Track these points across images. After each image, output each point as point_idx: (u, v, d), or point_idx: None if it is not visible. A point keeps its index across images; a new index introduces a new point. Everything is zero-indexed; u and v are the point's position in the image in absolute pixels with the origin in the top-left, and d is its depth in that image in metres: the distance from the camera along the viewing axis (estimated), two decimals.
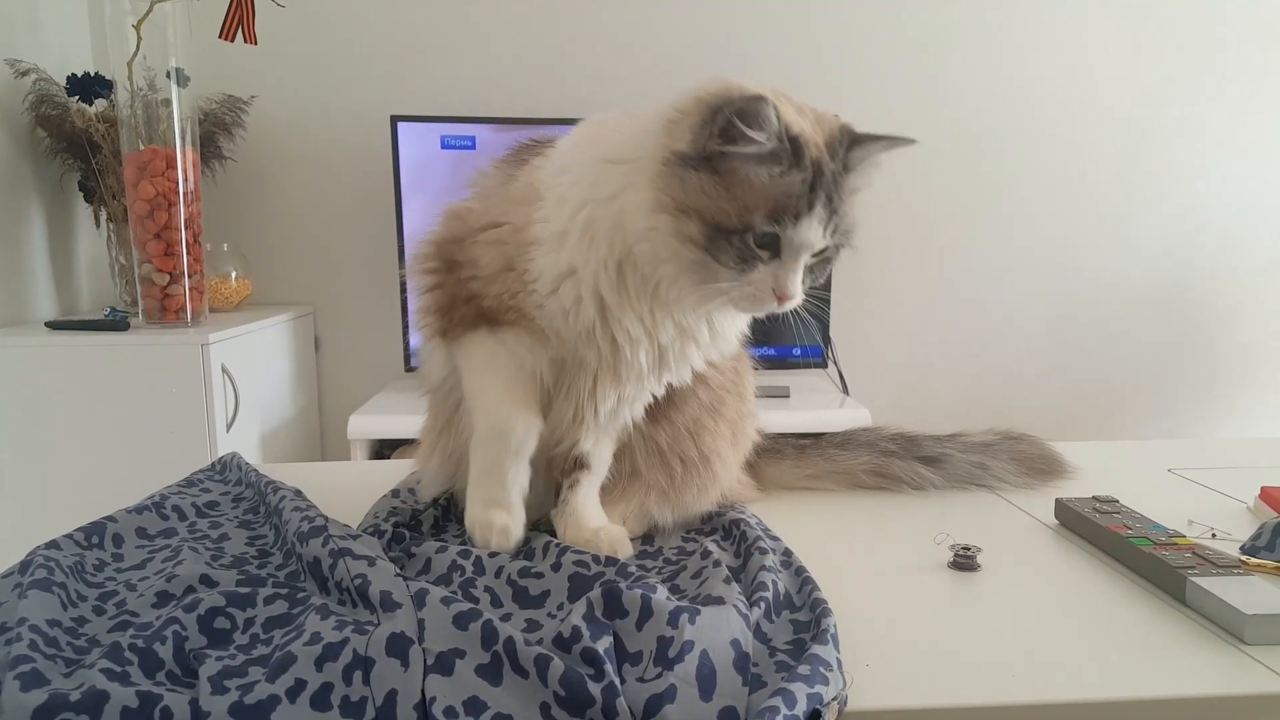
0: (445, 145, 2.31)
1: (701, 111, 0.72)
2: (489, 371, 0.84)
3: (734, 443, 0.96)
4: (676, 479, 0.91)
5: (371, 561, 0.73)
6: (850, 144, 0.77)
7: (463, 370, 0.86)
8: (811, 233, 0.73)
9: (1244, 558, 0.84)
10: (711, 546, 0.82)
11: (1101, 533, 0.90)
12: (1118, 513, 0.94)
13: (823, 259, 0.77)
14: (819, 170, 0.73)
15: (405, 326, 2.40)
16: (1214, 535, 0.93)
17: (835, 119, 0.79)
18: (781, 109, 0.72)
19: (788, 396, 2.36)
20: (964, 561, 0.85)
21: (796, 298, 0.75)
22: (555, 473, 0.89)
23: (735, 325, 0.86)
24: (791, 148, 0.72)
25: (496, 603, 0.74)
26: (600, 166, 0.79)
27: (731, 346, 0.88)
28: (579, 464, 0.87)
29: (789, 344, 2.41)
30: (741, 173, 0.71)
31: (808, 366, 2.46)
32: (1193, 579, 0.76)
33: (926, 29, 2.56)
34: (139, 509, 0.94)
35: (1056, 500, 0.99)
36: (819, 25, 2.54)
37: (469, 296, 0.84)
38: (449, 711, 0.57)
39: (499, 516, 0.83)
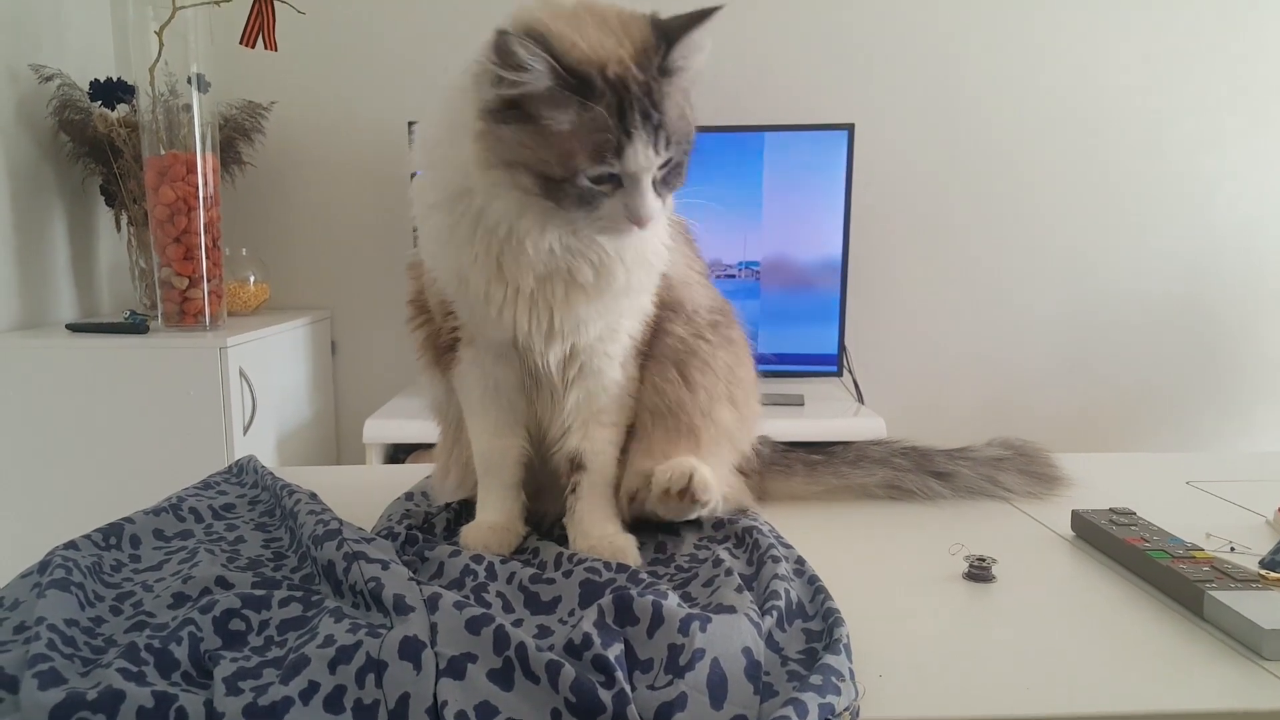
0: None
1: (496, 59, 0.69)
2: (469, 397, 0.90)
3: (731, 398, 0.92)
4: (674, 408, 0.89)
5: (385, 565, 0.73)
6: (667, 43, 0.73)
7: (460, 396, 0.92)
8: (640, 158, 0.71)
9: (1263, 572, 0.83)
10: (724, 554, 0.82)
11: (1118, 545, 0.89)
12: (1134, 525, 0.93)
13: (673, 168, 0.75)
14: (624, 91, 0.70)
15: None
16: (1233, 549, 0.92)
17: (644, 20, 0.74)
18: (556, 39, 0.69)
19: (802, 405, 2.35)
20: (979, 572, 0.85)
21: (655, 218, 0.74)
22: (561, 479, 0.89)
23: (628, 255, 0.81)
24: (576, 80, 0.69)
25: (508, 608, 0.74)
26: (428, 136, 0.81)
27: (646, 272, 0.84)
28: (575, 465, 0.87)
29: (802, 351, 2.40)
30: (543, 119, 0.69)
31: (822, 375, 2.45)
32: (1211, 593, 0.75)
33: (944, 37, 2.56)
34: (156, 510, 0.94)
35: (1073, 512, 0.98)
36: (840, 27, 2.54)
37: (438, 327, 0.90)
38: (460, 716, 0.57)
39: (488, 534, 0.87)
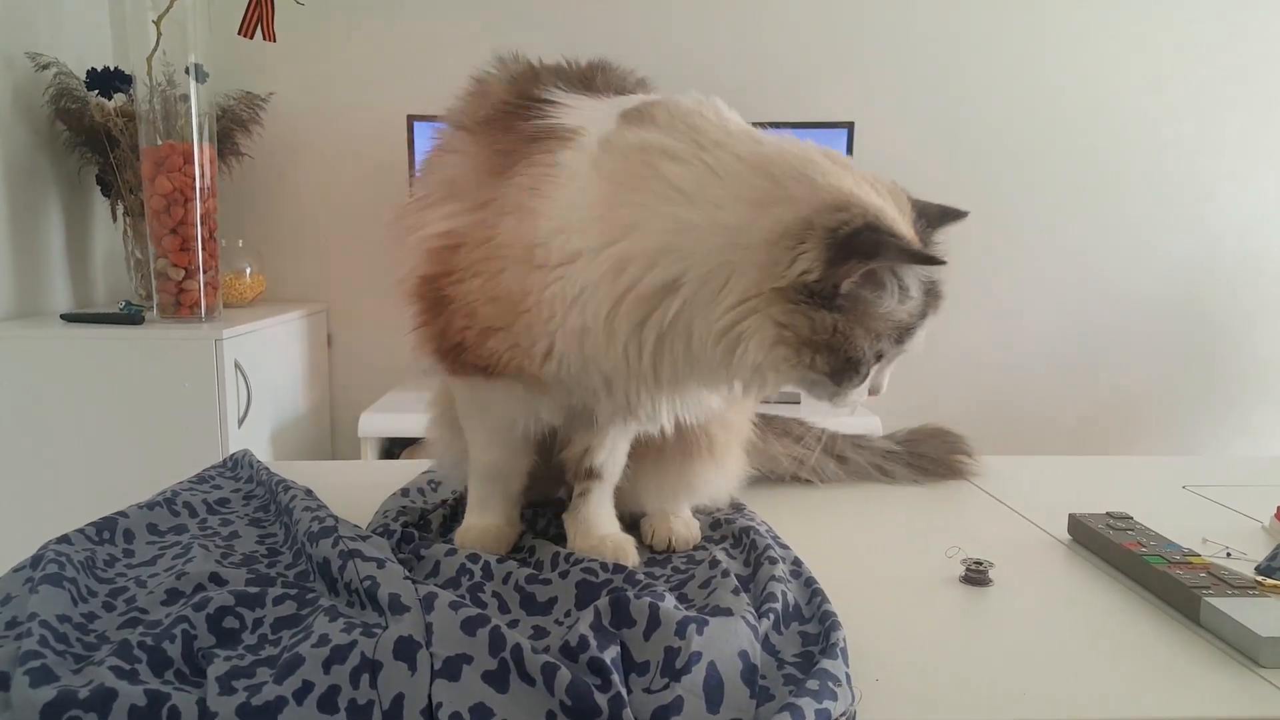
0: None
1: (829, 247, 0.62)
2: (481, 416, 0.84)
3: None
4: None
5: (381, 564, 0.72)
6: (929, 229, 0.72)
7: (458, 403, 0.86)
8: (922, 336, 0.69)
9: (1259, 578, 0.83)
10: (720, 555, 0.82)
11: (1115, 550, 0.89)
12: (1131, 530, 0.93)
13: None
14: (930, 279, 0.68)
15: None
16: (1229, 554, 0.92)
17: (906, 200, 0.71)
18: (893, 224, 0.64)
19: (799, 404, 2.35)
20: (976, 576, 0.85)
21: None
22: (568, 476, 0.88)
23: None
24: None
25: (504, 608, 0.74)
26: (642, 257, 0.67)
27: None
28: (590, 474, 0.86)
29: None
30: (877, 308, 0.65)
31: None
32: (1207, 599, 0.75)
33: (945, 36, 2.56)
34: (150, 505, 0.94)
35: (1070, 515, 0.98)
36: (840, 25, 2.54)
37: (460, 345, 0.76)
38: (455, 717, 0.56)
39: (483, 535, 0.85)
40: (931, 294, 0.69)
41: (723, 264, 0.65)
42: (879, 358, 0.67)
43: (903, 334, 0.68)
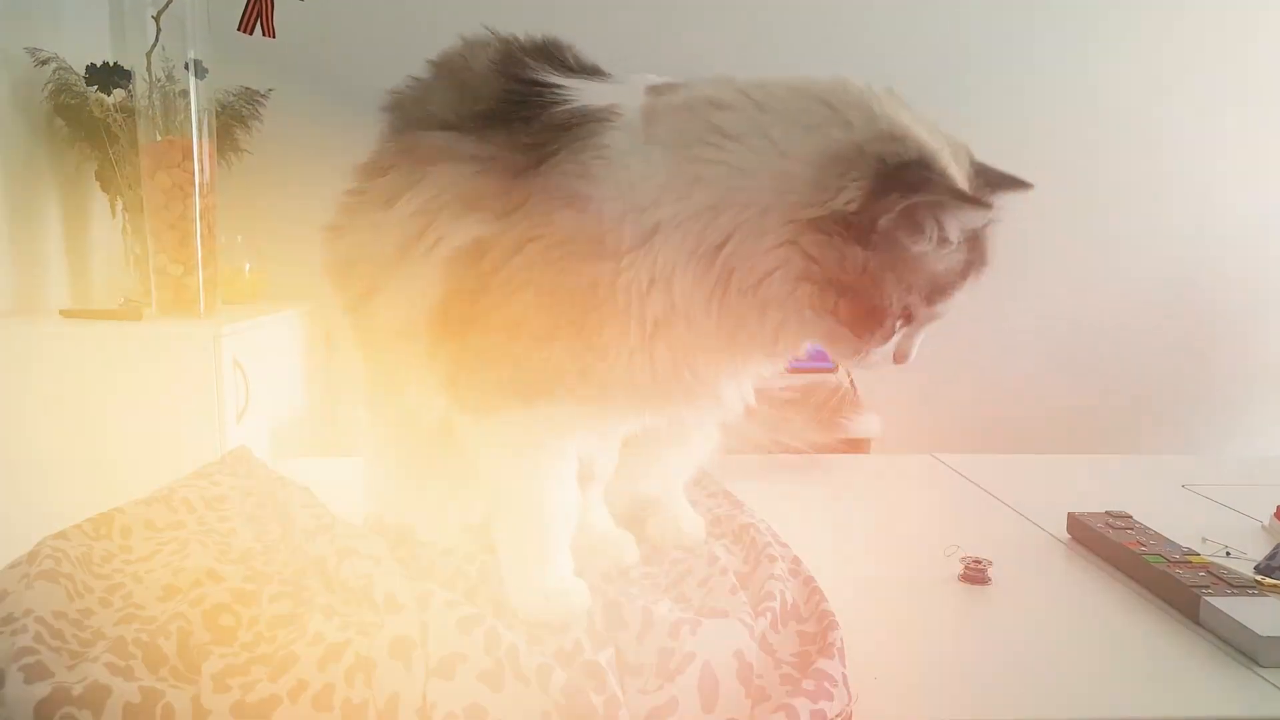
0: None
1: (876, 176, 0.59)
2: (537, 448, 0.71)
3: None
4: None
5: (377, 561, 0.72)
6: (987, 189, 0.68)
7: (490, 460, 0.73)
8: (958, 302, 0.65)
9: (1259, 577, 0.83)
10: (720, 552, 0.82)
11: (1114, 548, 0.89)
12: (1131, 529, 0.93)
13: None
14: (976, 233, 0.64)
15: None
16: (1228, 554, 0.92)
17: (964, 152, 0.69)
18: (944, 165, 0.61)
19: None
20: (974, 574, 0.85)
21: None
22: None
23: None
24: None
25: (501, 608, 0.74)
26: (705, 213, 0.62)
27: None
28: (585, 476, 0.86)
29: None
30: (911, 252, 0.61)
31: (817, 372, 2.45)
32: (1207, 598, 0.75)
33: (941, 34, 2.55)
34: (148, 501, 0.94)
35: (1069, 514, 0.98)
36: (835, 25, 2.53)
37: (492, 359, 0.67)
38: (449, 717, 0.56)
39: (565, 588, 0.70)
40: (975, 253, 0.65)
41: (768, 197, 0.61)
42: (905, 314, 0.63)
43: (934, 292, 0.63)
